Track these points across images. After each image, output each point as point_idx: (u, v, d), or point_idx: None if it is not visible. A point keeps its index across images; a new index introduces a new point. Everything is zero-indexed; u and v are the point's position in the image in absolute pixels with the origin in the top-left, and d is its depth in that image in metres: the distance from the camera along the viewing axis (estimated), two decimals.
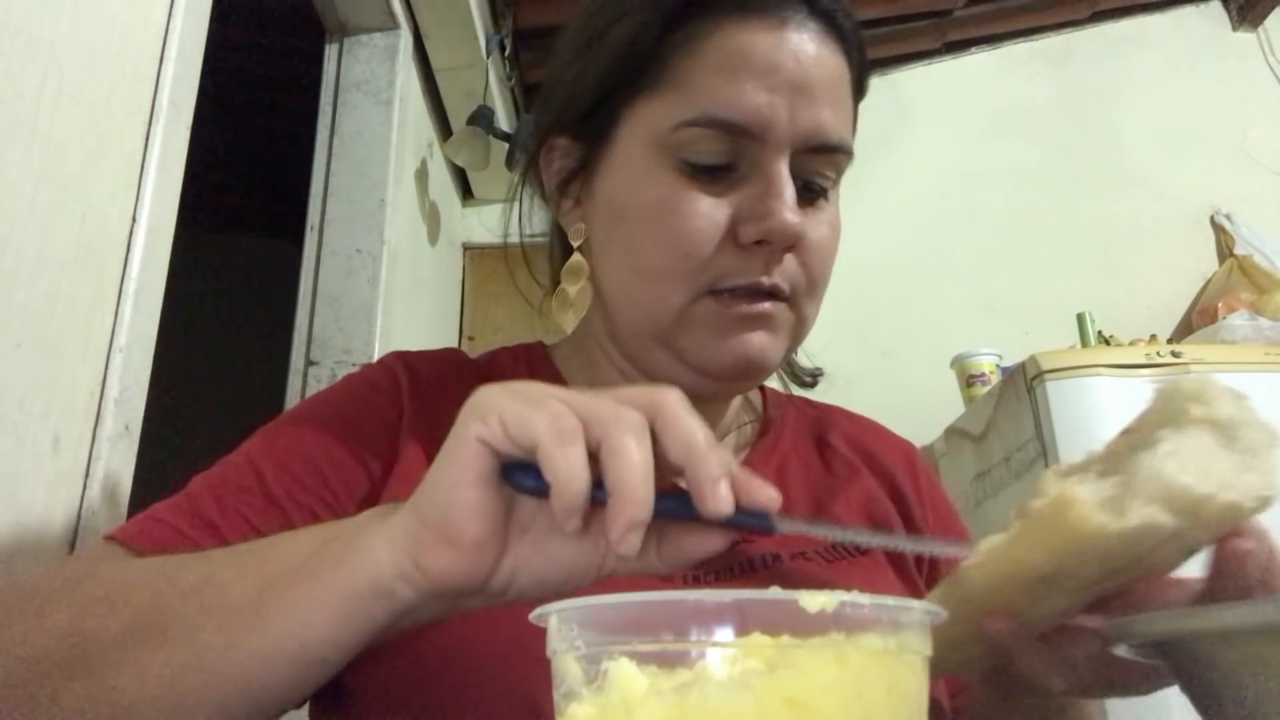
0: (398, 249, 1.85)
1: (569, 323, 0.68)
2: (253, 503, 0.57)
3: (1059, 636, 0.47)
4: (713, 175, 0.61)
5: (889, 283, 2.55)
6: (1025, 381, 1.74)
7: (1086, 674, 0.47)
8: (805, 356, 0.79)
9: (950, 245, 2.60)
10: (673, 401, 0.40)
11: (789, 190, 0.60)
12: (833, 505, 0.70)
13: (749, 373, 0.63)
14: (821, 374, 0.80)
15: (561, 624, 0.35)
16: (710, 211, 0.60)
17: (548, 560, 0.42)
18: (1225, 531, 0.44)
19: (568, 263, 0.68)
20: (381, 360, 0.70)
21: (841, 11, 0.64)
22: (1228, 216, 2.58)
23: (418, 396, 0.66)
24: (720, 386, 0.66)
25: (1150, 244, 2.59)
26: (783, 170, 0.60)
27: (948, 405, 2.14)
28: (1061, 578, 0.43)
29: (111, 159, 0.83)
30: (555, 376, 0.72)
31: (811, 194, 0.63)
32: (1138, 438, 0.46)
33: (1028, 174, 2.69)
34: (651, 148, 0.62)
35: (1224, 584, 0.45)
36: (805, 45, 0.62)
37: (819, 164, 0.63)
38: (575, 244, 0.68)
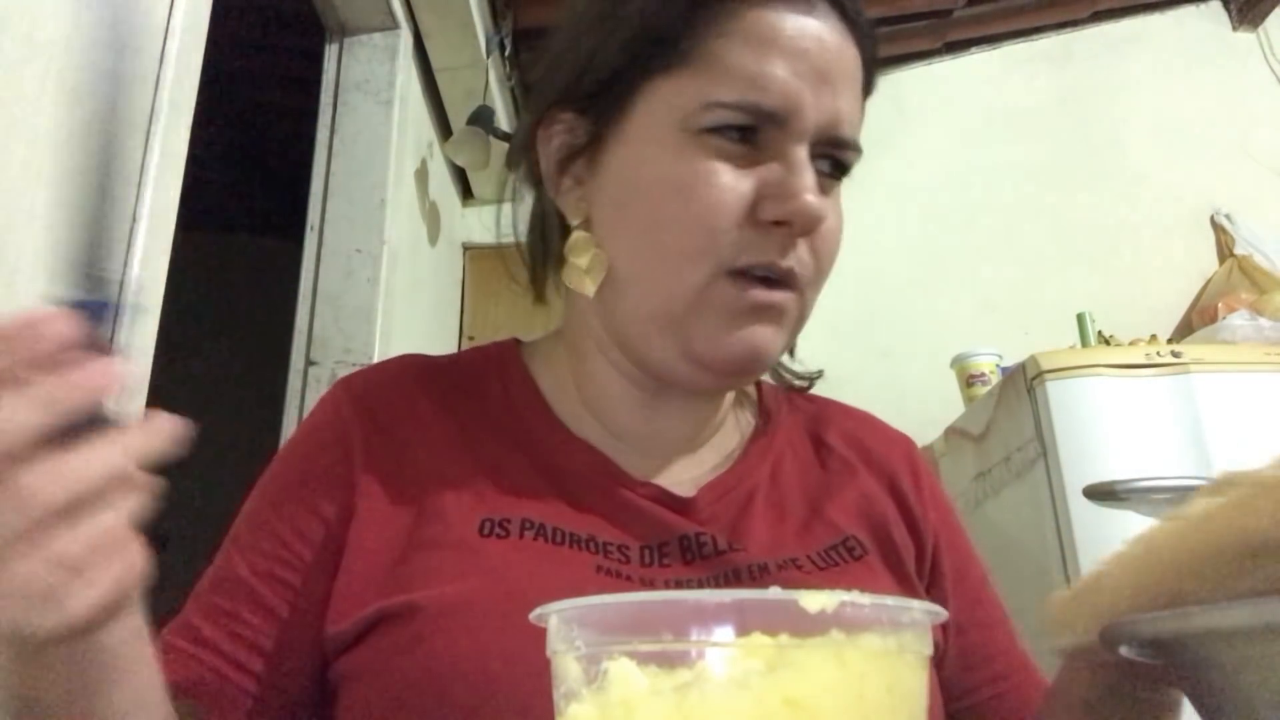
0: (398, 249, 1.85)
1: (591, 287, 0.64)
2: (229, 591, 0.60)
3: None
4: (735, 152, 0.60)
5: (889, 283, 2.55)
6: (1025, 381, 1.74)
7: None
8: (798, 362, 0.77)
9: (950, 245, 2.60)
10: None
11: (811, 175, 0.59)
12: (828, 506, 0.68)
13: (752, 366, 0.62)
14: (819, 376, 0.78)
15: (561, 624, 0.35)
16: (735, 185, 0.59)
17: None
18: None
19: (572, 238, 0.65)
20: (327, 396, 0.69)
21: (859, 9, 0.64)
22: (1228, 216, 2.58)
23: (369, 422, 0.65)
24: (720, 381, 0.65)
25: (1150, 244, 2.59)
26: (804, 155, 0.60)
27: (948, 405, 2.14)
28: (1269, 554, 0.41)
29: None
30: (524, 379, 0.70)
31: (823, 181, 0.63)
32: None
33: (1028, 174, 2.69)
34: (675, 124, 0.60)
35: None
36: (827, 34, 0.61)
37: (834, 154, 0.62)
38: (575, 223, 0.66)
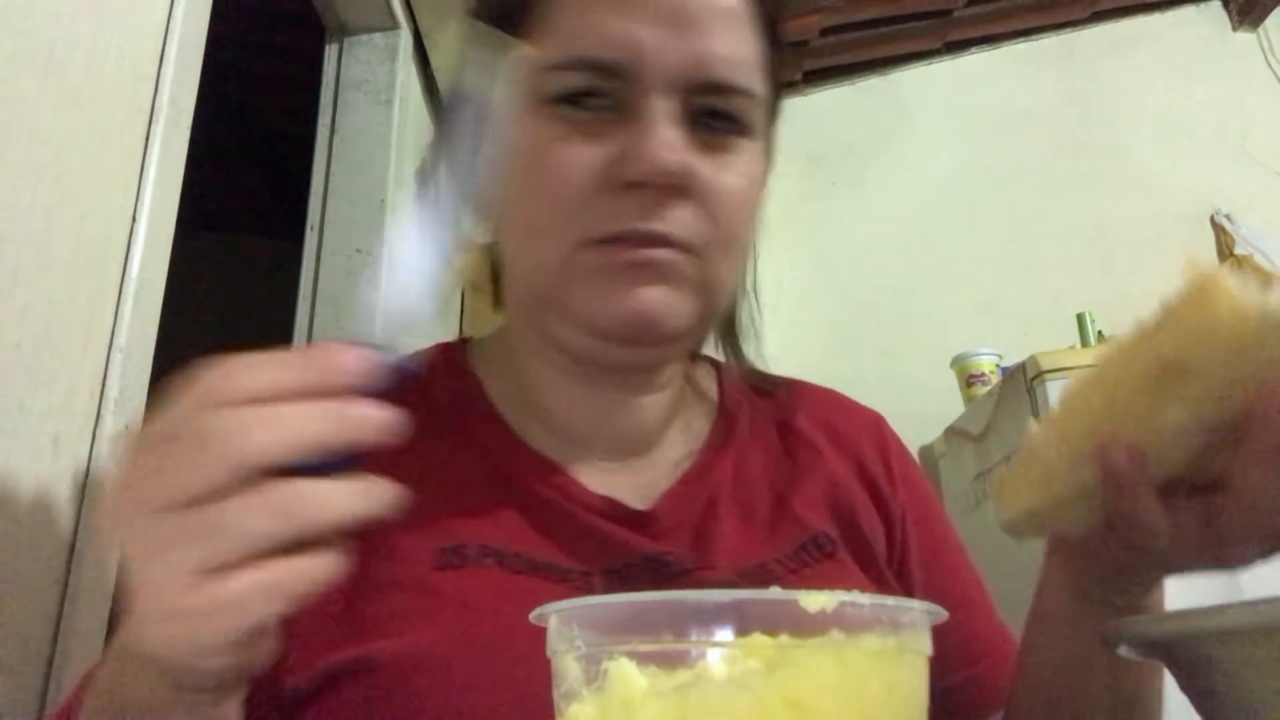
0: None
1: (482, 289, 0.64)
2: None
3: (1170, 499, 0.45)
4: (590, 121, 0.57)
5: (889, 283, 2.55)
6: (1025, 381, 1.74)
7: (1190, 539, 0.46)
8: (765, 361, 0.75)
9: (950, 245, 2.60)
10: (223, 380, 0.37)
11: (665, 128, 0.56)
12: (794, 499, 0.66)
13: (646, 330, 0.58)
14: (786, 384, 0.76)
15: (561, 624, 0.35)
16: (580, 153, 0.56)
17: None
18: None
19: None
20: None
21: None
22: (1228, 216, 2.58)
23: None
24: (624, 348, 0.60)
25: (1150, 244, 2.59)
26: (657, 105, 0.56)
27: (948, 405, 2.15)
28: (1186, 377, 0.41)
29: (111, 159, 0.83)
30: (471, 383, 0.67)
31: (712, 134, 0.59)
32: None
33: (1028, 174, 2.69)
34: (525, 99, 0.58)
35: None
36: None
37: (715, 103, 0.59)
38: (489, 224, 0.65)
